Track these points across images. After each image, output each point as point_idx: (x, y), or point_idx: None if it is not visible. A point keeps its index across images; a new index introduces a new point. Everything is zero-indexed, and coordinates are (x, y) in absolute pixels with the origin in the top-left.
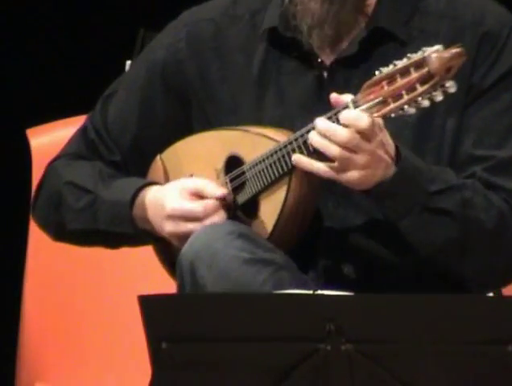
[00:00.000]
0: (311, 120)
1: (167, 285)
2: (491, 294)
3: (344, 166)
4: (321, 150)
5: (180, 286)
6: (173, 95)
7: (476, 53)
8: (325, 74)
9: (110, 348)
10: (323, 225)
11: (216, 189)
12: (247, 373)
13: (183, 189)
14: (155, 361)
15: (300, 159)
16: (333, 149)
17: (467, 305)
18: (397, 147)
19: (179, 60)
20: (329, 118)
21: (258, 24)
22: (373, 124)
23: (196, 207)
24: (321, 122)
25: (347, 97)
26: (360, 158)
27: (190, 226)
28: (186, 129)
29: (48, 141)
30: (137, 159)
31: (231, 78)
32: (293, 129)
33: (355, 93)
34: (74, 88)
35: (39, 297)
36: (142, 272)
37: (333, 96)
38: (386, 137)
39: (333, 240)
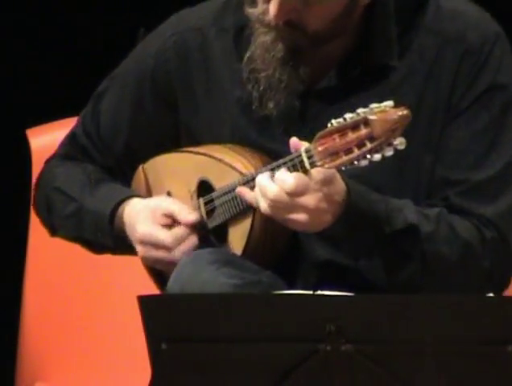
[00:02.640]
0: (287, 146)
1: None
2: (491, 294)
3: (284, 220)
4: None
5: None
6: (162, 103)
7: (457, 72)
8: (301, 102)
9: (110, 348)
10: (300, 243)
11: (188, 215)
12: (247, 373)
13: (156, 210)
14: (155, 361)
15: (244, 194)
16: (262, 205)
17: (467, 305)
18: (348, 190)
19: (168, 71)
20: (284, 163)
21: (244, 41)
22: (302, 182)
23: (166, 237)
24: (259, 178)
25: (303, 144)
26: (297, 216)
27: (160, 253)
28: (175, 135)
29: (48, 141)
30: (131, 163)
31: (215, 94)
32: (273, 149)
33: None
34: (74, 88)
35: (39, 297)
36: (142, 272)
37: (292, 140)
38: (333, 187)
39: (310, 256)
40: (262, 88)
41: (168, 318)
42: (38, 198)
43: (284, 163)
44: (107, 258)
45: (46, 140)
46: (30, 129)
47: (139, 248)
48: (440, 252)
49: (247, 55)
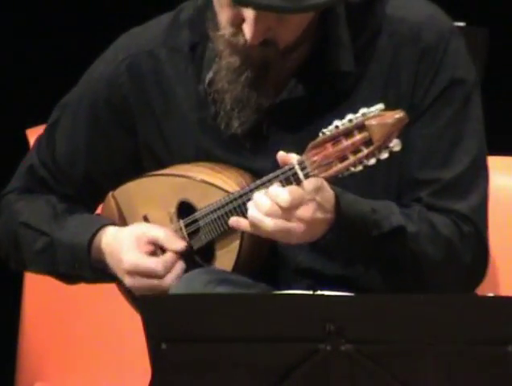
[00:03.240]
0: (259, 157)
1: None
2: (491, 294)
3: (283, 234)
4: (256, 224)
5: None
6: (120, 126)
7: (416, 72)
8: (264, 118)
9: (110, 348)
10: (280, 254)
11: (175, 242)
12: (247, 373)
13: (141, 238)
14: (155, 361)
15: (238, 223)
16: (267, 224)
17: (467, 305)
18: (336, 198)
19: (123, 96)
20: (276, 177)
21: (197, 58)
22: (296, 195)
23: (157, 265)
24: (256, 196)
25: (293, 157)
26: (295, 227)
27: (151, 282)
28: (136, 159)
29: None
30: (91, 191)
31: (174, 115)
32: (242, 166)
33: (297, 135)
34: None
35: (39, 298)
36: None
37: (280, 154)
38: (324, 195)
39: (292, 265)
40: (228, 107)
41: (168, 318)
42: (1, 232)
43: (276, 177)
44: None
45: None
46: (30, 129)
47: (127, 279)
48: (425, 252)
49: (208, 76)
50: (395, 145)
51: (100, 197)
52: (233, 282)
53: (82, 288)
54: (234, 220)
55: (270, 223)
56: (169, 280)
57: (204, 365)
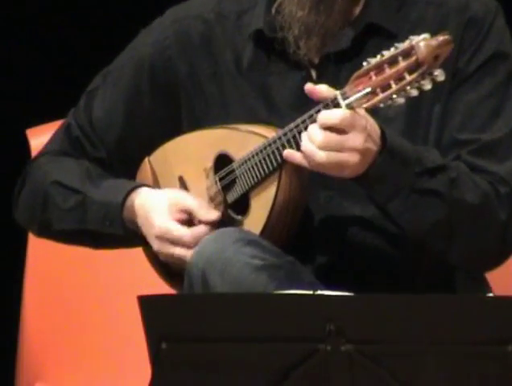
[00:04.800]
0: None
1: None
2: (491, 294)
3: (336, 166)
4: (309, 156)
5: None
6: (161, 92)
7: (462, 39)
8: (313, 72)
9: (110, 348)
10: (315, 220)
11: (209, 212)
12: (247, 373)
13: (174, 206)
14: (155, 361)
15: (292, 155)
16: (320, 156)
17: (467, 305)
18: (382, 131)
19: (167, 58)
20: (317, 112)
21: (244, 25)
22: (348, 117)
23: (185, 235)
24: (310, 127)
25: (330, 91)
26: (348, 156)
27: (177, 250)
28: (173, 127)
29: None
30: (122, 156)
31: (220, 76)
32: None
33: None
34: (74, 88)
35: (39, 297)
36: (142, 272)
37: (320, 87)
38: (371, 125)
39: (328, 233)
40: (296, 32)
41: (168, 318)
42: (23, 198)
43: (318, 111)
44: (107, 258)
45: (46, 140)
46: (30, 129)
47: (155, 243)
48: (464, 199)
49: (275, 5)
50: (439, 74)
51: (131, 165)
52: (261, 246)
53: (82, 288)
54: (288, 152)
55: (323, 155)
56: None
57: (204, 365)
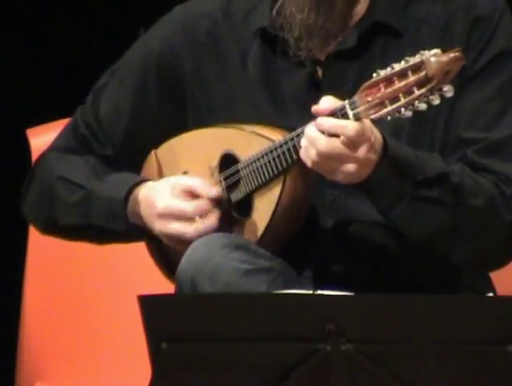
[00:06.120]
0: (307, 117)
1: (167, 285)
2: (491, 294)
3: (329, 170)
4: (302, 156)
5: None
6: (168, 88)
7: (468, 37)
8: (319, 70)
9: (110, 348)
10: (321, 219)
11: (210, 188)
12: (247, 373)
13: (176, 186)
14: (155, 361)
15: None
16: (312, 154)
17: (467, 305)
18: (384, 139)
19: (175, 54)
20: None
21: (251, 23)
22: (361, 131)
23: (187, 206)
24: (309, 129)
25: (336, 102)
26: (347, 167)
27: (179, 225)
28: (179, 123)
29: (48, 141)
30: (129, 154)
31: (226, 74)
32: (288, 126)
33: (351, 86)
34: (74, 88)
35: (39, 297)
36: (142, 272)
37: (327, 98)
38: (375, 136)
39: (333, 232)
40: (296, 34)
41: (168, 318)
42: (31, 193)
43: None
44: (107, 258)
45: (46, 140)
46: (30, 129)
47: (158, 224)
48: (468, 204)
49: (276, 6)
50: (448, 90)
51: (138, 161)
52: (251, 251)
53: (82, 288)
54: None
55: (315, 158)
56: (200, 226)
57: (204, 365)
